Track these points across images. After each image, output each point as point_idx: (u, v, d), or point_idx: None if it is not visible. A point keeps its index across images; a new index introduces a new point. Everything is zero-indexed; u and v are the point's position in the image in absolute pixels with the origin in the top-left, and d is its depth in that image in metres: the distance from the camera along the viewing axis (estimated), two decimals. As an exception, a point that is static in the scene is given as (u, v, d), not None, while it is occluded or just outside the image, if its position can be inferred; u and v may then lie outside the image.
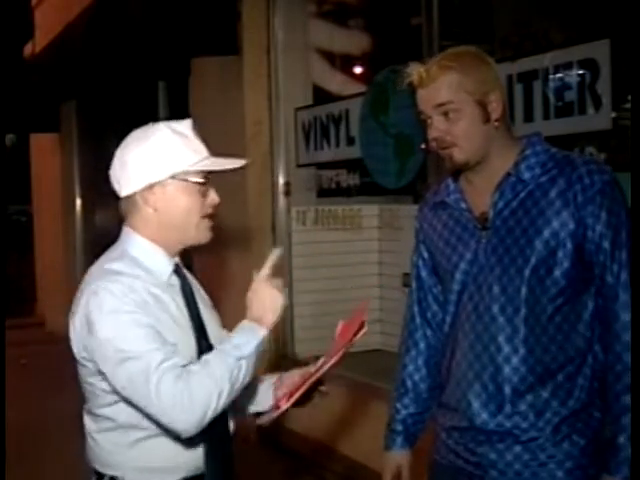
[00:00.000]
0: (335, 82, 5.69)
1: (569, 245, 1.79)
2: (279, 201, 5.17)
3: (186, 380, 1.65)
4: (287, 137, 5.16)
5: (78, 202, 9.15)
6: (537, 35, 4.29)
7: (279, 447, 4.95)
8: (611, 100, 3.01)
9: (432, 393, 2.06)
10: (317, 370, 1.83)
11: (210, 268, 5.64)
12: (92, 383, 1.79)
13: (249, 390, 1.96)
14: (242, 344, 1.71)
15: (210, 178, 1.84)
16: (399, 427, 2.10)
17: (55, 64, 7.82)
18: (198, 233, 1.85)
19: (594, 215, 1.77)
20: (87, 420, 1.88)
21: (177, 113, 6.26)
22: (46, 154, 9.98)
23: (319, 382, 1.91)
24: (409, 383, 2.09)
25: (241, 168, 1.89)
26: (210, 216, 1.85)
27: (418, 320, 2.08)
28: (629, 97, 2.48)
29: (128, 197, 1.82)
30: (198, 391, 1.65)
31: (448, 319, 1.97)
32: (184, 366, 1.69)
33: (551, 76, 3.26)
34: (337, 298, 4.80)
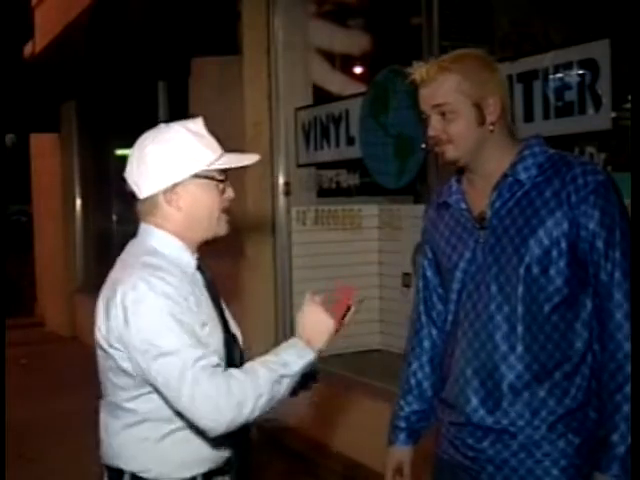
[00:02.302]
0: (335, 82, 5.69)
1: (563, 244, 1.81)
2: (279, 201, 5.17)
3: (225, 381, 1.67)
4: (287, 137, 5.16)
5: (78, 202, 9.16)
6: (537, 35, 4.30)
7: (279, 447, 4.95)
8: (611, 100, 3.01)
9: (436, 391, 2.08)
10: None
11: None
12: (118, 375, 1.79)
13: None
14: (290, 362, 1.75)
15: (226, 174, 1.88)
16: (402, 424, 2.13)
17: (55, 64, 7.82)
18: (219, 227, 1.89)
19: (587, 215, 1.79)
20: (107, 417, 1.87)
21: (177, 113, 6.26)
22: (46, 154, 9.98)
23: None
24: (413, 381, 2.12)
25: (244, 167, 1.91)
26: (227, 209, 1.90)
27: (423, 319, 2.12)
28: (629, 97, 2.48)
29: (149, 198, 1.83)
30: (236, 395, 1.67)
31: (449, 317, 2.00)
32: (224, 368, 1.72)
33: (551, 76, 3.26)
34: (337, 298, 4.80)
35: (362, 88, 5.02)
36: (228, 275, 5.37)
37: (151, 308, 1.70)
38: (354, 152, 4.70)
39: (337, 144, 4.83)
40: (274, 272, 5.18)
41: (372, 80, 4.61)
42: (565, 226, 1.80)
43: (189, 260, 1.88)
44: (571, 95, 3.18)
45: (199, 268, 1.92)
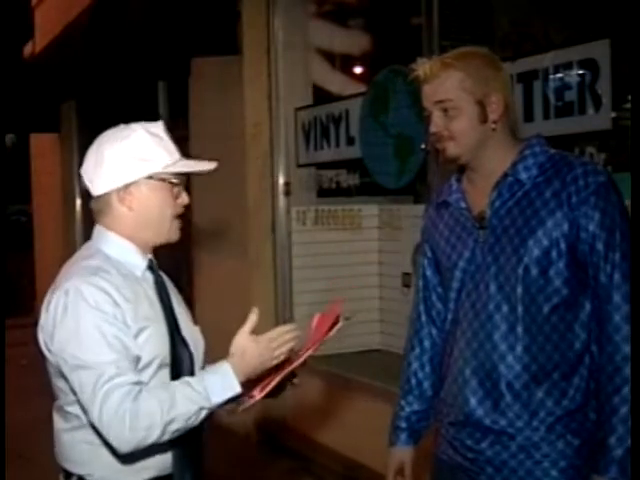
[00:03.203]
0: (335, 82, 5.69)
1: (563, 245, 1.81)
2: (279, 201, 5.17)
3: (135, 405, 1.63)
4: (287, 137, 5.16)
5: (78, 202, 9.15)
6: (537, 35, 4.30)
7: (279, 447, 4.95)
8: (611, 100, 3.01)
9: (437, 391, 2.08)
10: (292, 362, 1.83)
11: (210, 268, 5.64)
12: (58, 378, 1.80)
13: None
14: (213, 394, 1.69)
15: (183, 180, 1.88)
16: (403, 424, 2.13)
17: (55, 64, 7.82)
18: (170, 232, 1.88)
19: (588, 216, 1.79)
20: (56, 418, 1.88)
21: (177, 113, 6.26)
22: (46, 154, 9.98)
23: (292, 373, 1.91)
24: (413, 381, 2.12)
25: (212, 170, 1.91)
26: (180, 216, 1.89)
27: (423, 318, 2.12)
28: (629, 97, 2.48)
29: (102, 196, 1.84)
30: (143, 420, 1.64)
31: (449, 316, 2.00)
32: (172, 372, 1.71)
33: (551, 76, 3.26)
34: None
35: (362, 88, 5.02)
36: (228, 275, 5.38)
37: (77, 318, 1.70)
38: (354, 152, 4.70)
39: (337, 144, 4.83)
40: (274, 272, 5.18)
41: (372, 80, 4.61)
42: (565, 227, 1.80)
43: (138, 262, 1.87)
44: (571, 95, 3.18)
45: (151, 269, 1.90)
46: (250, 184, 5.16)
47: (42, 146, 10.19)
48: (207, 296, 5.53)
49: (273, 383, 1.83)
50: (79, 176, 1.88)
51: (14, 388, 5.58)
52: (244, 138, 5.11)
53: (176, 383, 1.72)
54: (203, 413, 1.69)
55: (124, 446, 1.66)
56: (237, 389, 1.71)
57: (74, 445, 1.83)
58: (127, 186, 1.81)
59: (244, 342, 1.75)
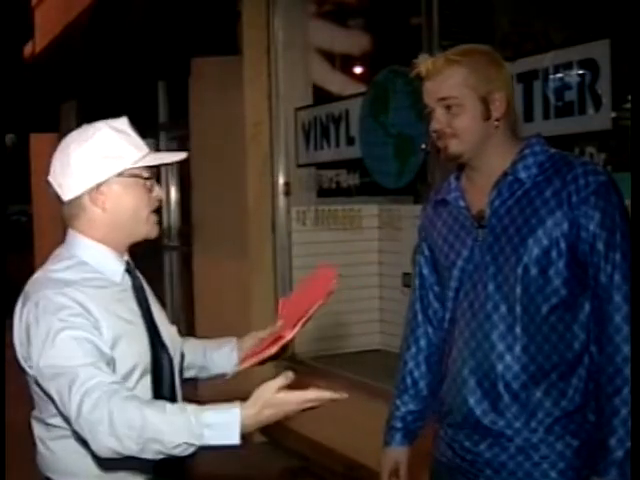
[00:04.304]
0: (335, 82, 5.69)
1: (562, 245, 1.80)
2: (279, 201, 5.17)
3: (111, 403, 1.54)
4: (287, 137, 5.16)
5: (78, 202, 9.14)
6: (537, 35, 4.29)
7: (279, 447, 4.95)
8: (611, 100, 3.01)
9: (432, 391, 2.07)
10: (284, 334, 1.81)
11: (210, 268, 5.64)
12: (37, 391, 1.76)
13: (204, 368, 2.06)
14: (208, 437, 1.50)
15: (154, 173, 1.85)
16: (398, 424, 2.11)
17: (55, 64, 7.81)
18: (147, 228, 1.85)
19: (588, 216, 1.78)
20: (38, 427, 1.84)
21: (177, 113, 6.26)
22: (46, 154, 9.95)
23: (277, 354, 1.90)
24: (409, 380, 2.11)
25: (183, 160, 1.89)
26: (156, 210, 1.86)
27: (420, 317, 2.10)
28: (629, 97, 2.48)
29: (73, 200, 1.80)
30: (120, 423, 1.52)
31: (446, 316, 1.99)
32: (154, 379, 1.68)
33: (551, 76, 3.26)
34: (337, 298, 4.80)
35: (362, 88, 5.01)
36: (228, 275, 5.37)
37: (48, 328, 1.65)
38: (354, 152, 4.69)
39: (337, 144, 4.83)
40: (274, 272, 5.18)
41: (372, 80, 4.61)
42: (565, 226, 1.79)
43: (115, 267, 1.83)
44: (571, 95, 3.17)
45: (129, 272, 1.86)
46: (250, 184, 5.15)
47: (42, 146, 10.18)
48: (207, 296, 5.52)
49: (265, 355, 1.83)
50: (47, 183, 1.85)
51: (14, 388, 5.58)
52: (244, 138, 5.11)
53: (173, 406, 1.58)
54: (190, 449, 1.52)
55: (102, 450, 1.57)
56: (235, 441, 1.51)
57: (61, 455, 1.79)
58: (98, 186, 1.77)
59: (271, 397, 1.54)
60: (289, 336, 1.79)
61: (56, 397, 1.64)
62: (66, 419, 1.66)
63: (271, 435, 4.96)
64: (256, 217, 5.18)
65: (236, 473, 4.49)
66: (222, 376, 2.11)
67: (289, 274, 5.08)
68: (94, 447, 1.58)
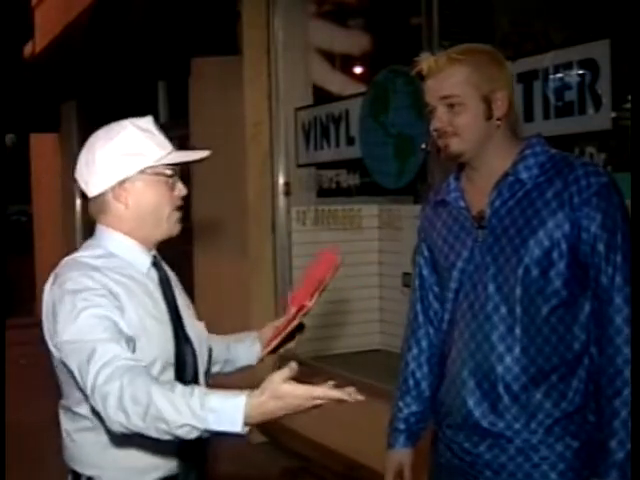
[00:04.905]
0: (335, 82, 5.69)
1: (564, 246, 1.79)
2: (279, 201, 5.17)
3: (124, 378, 1.54)
4: (287, 137, 5.16)
5: (78, 202, 9.14)
6: (537, 35, 4.29)
7: (279, 447, 4.95)
8: (611, 100, 3.01)
9: (435, 392, 2.06)
10: (291, 319, 1.87)
11: (210, 267, 5.64)
12: (64, 374, 1.78)
13: (229, 362, 2.12)
14: (211, 422, 1.46)
15: (177, 171, 1.88)
16: (401, 426, 2.11)
17: (55, 64, 7.81)
18: (170, 225, 1.88)
19: (589, 217, 1.78)
20: (64, 419, 1.87)
21: (177, 113, 6.26)
22: (46, 154, 9.98)
23: (301, 325, 2.02)
24: (411, 381, 2.10)
25: (202, 159, 1.91)
26: (179, 208, 1.89)
27: (420, 318, 2.10)
28: (629, 97, 2.48)
29: (98, 196, 1.84)
30: (129, 399, 1.52)
31: (446, 316, 1.99)
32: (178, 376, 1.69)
33: (551, 76, 3.26)
34: (337, 298, 4.81)
35: (362, 88, 5.01)
36: (228, 275, 5.37)
37: (73, 306, 1.68)
38: (354, 152, 4.69)
39: (337, 144, 4.83)
40: (274, 272, 5.18)
41: (372, 80, 4.61)
42: (566, 227, 1.79)
43: (142, 260, 1.87)
44: (571, 95, 3.17)
45: (156, 265, 1.90)
46: (250, 184, 5.15)
47: (42, 146, 10.19)
48: (207, 296, 5.52)
49: (276, 342, 1.91)
50: (74, 180, 1.88)
51: (14, 388, 5.58)
52: (244, 138, 5.11)
53: (182, 387, 1.54)
54: (194, 433, 1.50)
55: (114, 426, 1.56)
56: (238, 428, 1.46)
57: (84, 446, 1.83)
58: (121, 183, 1.81)
59: (279, 388, 1.47)
60: (310, 304, 1.83)
61: (76, 372, 1.65)
62: (92, 408, 1.66)
63: (271, 435, 4.96)
64: (256, 217, 5.18)
65: (236, 473, 4.50)
66: (247, 368, 2.16)
67: (289, 274, 5.08)
68: (107, 423, 1.59)
